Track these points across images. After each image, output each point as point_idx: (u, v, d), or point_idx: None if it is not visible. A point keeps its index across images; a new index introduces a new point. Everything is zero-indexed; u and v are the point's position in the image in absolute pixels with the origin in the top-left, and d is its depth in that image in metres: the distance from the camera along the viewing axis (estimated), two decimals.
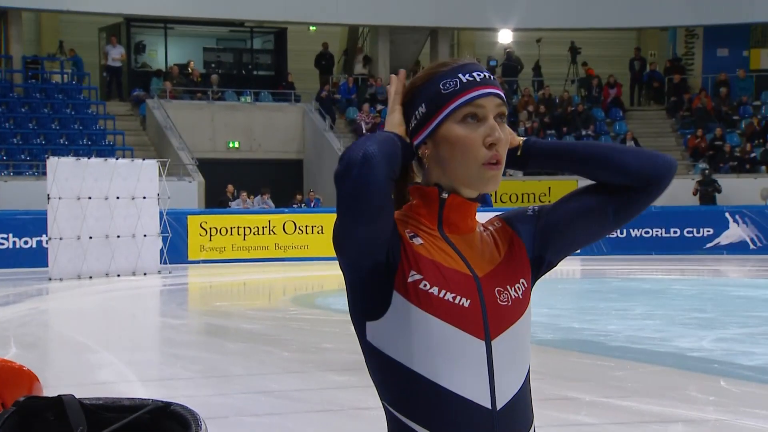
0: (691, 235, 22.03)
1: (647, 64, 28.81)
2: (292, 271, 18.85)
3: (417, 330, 1.71)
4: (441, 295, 1.73)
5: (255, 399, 7.24)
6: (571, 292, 15.75)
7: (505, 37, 29.53)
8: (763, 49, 29.55)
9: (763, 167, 24.85)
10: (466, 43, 30.97)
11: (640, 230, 22.01)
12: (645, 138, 26.69)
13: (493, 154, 1.76)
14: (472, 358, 1.74)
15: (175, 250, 19.01)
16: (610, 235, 22.22)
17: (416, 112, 1.81)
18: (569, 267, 20.32)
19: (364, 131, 25.67)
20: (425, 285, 1.74)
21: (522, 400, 1.78)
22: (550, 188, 24.67)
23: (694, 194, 23.44)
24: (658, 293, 14.50)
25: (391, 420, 1.79)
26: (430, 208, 1.82)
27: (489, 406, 1.73)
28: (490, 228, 1.91)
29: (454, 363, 1.72)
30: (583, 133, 26.72)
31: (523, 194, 24.59)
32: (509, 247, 1.87)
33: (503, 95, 1.81)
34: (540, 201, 24.34)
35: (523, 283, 1.85)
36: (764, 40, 30.37)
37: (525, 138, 1.89)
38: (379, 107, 26.27)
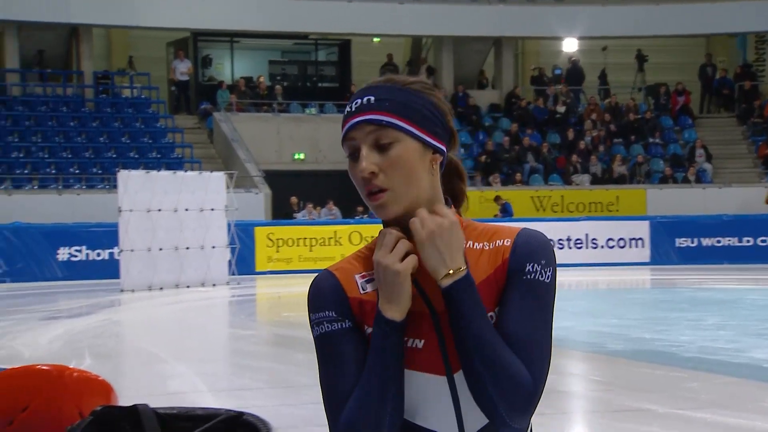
0: (765, 244, 21.58)
1: (717, 70, 28.36)
2: None
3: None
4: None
5: (323, 409, 7.26)
6: (641, 302, 15.53)
7: (570, 45, 29.31)
8: None
9: None
10: (531, 52, 30.81)
11: (712, 239, 21.62)
12: (715, 146, 26.25)
13: (368, 187, 1.74)
14: (435, 393, 1.75)
15: (243, 261, 19.19)
16: (681, 245, 21.91)
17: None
18: (639, 277, 20.04)
19: None
20: None
21: (493, 429, 1.75)
22: (618, 197, 24.39)
23: (766, 203, 22.97)
24: (731, 303, 14.22)
25: None
26: None
27: None
28: (484, 245, 1.79)
29: (420, 400, 1.74)
30: (650, 140, 26.37)
31: (590, 203, 24.35)
32: (494, 272, 1.77)
33: (379, 118, 1.72)
34: (608, 211, 24.07)
35: (491, 317, 1.75)
36: None
37: (449, 286, 1.70)
38: None
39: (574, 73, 28.31)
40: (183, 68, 26.16)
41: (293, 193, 23.30)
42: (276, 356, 10.37)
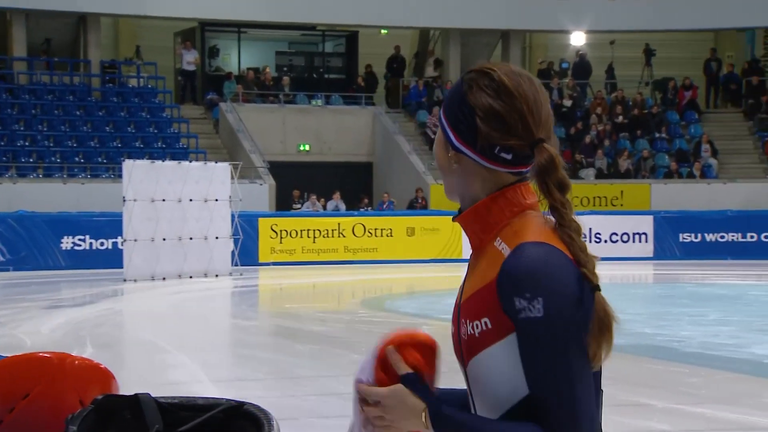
0: None
1: (723, 65, 28.28)
2: (361, 273, 18.91)
3: None
4: None
5: (324, 401, 7.28)
6: (643, 297, 15.53)
7: (577, 39, 29.24)
8: None
9: None
10: (538, 45, 30.75)
11: (716, 235, 21.59)
12: (722, 141, 26.19)
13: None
14: (463, 379, 1.81)
15: (246, 252, 19.22)
16: (685, 239, 21.88)
17: None
18: (641, 272, 20.03)
19: (433, 135, 25.66)
20: None
21: None
22: (622, 192, 24.36)
23: None
24: (733, 299, 14.21)
25: None
26: None
27: None
28: (501, 246, 1.72)
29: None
30: (656, 135, 26.33)
31: (595, 197, 24.32)
32: (487, 285, 1.72)
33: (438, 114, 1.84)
34: (612, 205, 24.04)
35: (485, 323, 1.70)
36: None
37: (429, 405, 1.71)
38: None
39: (581, 67, 28.25)
40: (190, 58, 26.15)
41: (298, 184, 23.31)
42: (277, 347, 10.39)
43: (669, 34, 28.55)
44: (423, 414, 1.69)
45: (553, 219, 1.75)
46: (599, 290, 1.69)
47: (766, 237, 21.60)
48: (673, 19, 27.01)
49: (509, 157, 1.73)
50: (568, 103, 27.08)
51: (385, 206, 23.11)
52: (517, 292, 1.63)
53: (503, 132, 1.72)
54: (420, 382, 1.72)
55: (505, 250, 1.69)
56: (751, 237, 21.63)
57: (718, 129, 26.86)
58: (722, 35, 29.80)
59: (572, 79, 27.78)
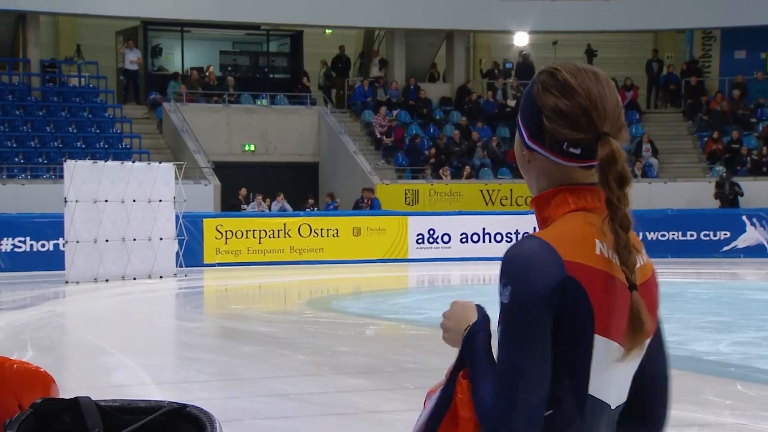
0: (708, 238, 21.93)
1: (664, 66, 28.71)
2: (307, 274, 18.87)
3: None
4: None
5: (269, 402, 7.26)
6: None
7: (521, 39, 29.49)
8: None
9: None
10: (482, 45, 30.94)
11: (656, 233, 21.92)
12: (662, 140, 26.59)
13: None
14: None
15: (190, 254, 19.06)
16: None
17: None
18: None
19: (378, 135, 25.69)
20: None
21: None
22: None
23: (715, 198, 23.34)
24: (673, 296, 14.43)
25: None
26: None
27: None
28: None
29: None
30: None
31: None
32: None
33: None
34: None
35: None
36: None
37: (474, 325, 1.81)
38: (395, 110, 26.28)
39: (524, 67, 28.49)
40: (132, 57, 25.86)
41: (243, 184, 23.18)
42: (222, 349, 10.33)
43: (610, 35, 28.91)
44: (465, 329, 1.79)
45: (603, 220, 1.79)
46: (635, 289, 1.77)
47: (705, 235, 21.97)
48: (613, 20, 27.36)
49: (578, 151, 1.80)
50: (512, 102, 27.30)
51: (331, 206, 23.10)
52: (500, 277, 1.75)
53: (569, 128, 1.80)
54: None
55: None
56: (691, 235, 22.00)
57: (658, 129, 27.26)
58: (662, 36, 30.25)
59: (516, 80, 28.01)
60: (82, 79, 25.74)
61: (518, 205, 24.12)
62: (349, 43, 28.83)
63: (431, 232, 21.60)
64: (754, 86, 27.38)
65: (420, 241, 21.55)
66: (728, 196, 23.32)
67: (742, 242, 21.70)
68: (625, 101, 27.80)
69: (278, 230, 20.74)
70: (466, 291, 16.39)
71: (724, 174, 23.93)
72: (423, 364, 8.80)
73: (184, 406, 1.96)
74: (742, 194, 23.40)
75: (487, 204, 24.11)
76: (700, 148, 26.43)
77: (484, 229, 21.88)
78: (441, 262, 20.84)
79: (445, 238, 21.67)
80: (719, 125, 26.26)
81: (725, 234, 21.81)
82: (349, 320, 12.10)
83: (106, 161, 18.52)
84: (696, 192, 23.94)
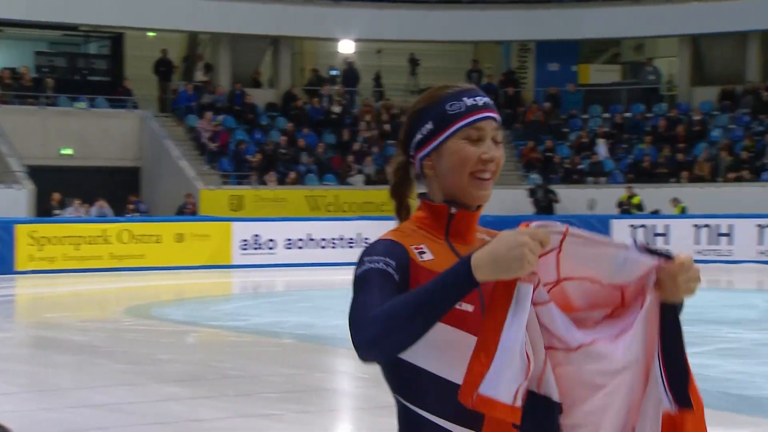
0: None
1: (483, 76, 29.59)
2: (127, 281, 18.37)
3: (427, 335, 1.86)
4: None
5: (83, 413, 7.01)
6: None
7: (346, 47, 29.74)
8: (591, 64, 30.84)
9: (591, 178, 25.91)
10: (308, 52, 31.01)
11: None
12: None
13: (483, 168, 1.99)
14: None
15: (1, 260, 18.21)
16: None
17: (422, 129, 2.02)
18: None
19: (204, 139, 25.32)
20: None
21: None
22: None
23: (533, 204, 24.22)
24: None
25: (400, 409, 2.00)
26: (439, 222, 2.04)
27: None
28: (486, 237, 2.07)
29: (461, 359, 1.86)
30: None
31: (364, 203, 24.77)
32: None
33: (499, 119, 2.04)
34: (381, 211, 24.58)
35: None
36: (592, 56, 31.70)
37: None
38: (220, 116, 25.97)
39: (349, 75, 28.74)
40: None
41: (60, 189, 22.35)
42: (35, 359, 9.91)
43: (433, 45, 29.57)
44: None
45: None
46: None
47: None
48: (436, 30, 28.00)
49: None
50: (337, 109, 27.48)
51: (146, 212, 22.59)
52: None
53: None
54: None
55: (487, 237, 2.07)
56: None
57: None
58: (481, 47, 31.17)
59: (341, 86, 28.21)
60: None
61: (344, 211, 24.29)
62: (173, 46, 28.29)
63: (256, 238, 21.46)
64: (566, 97, 28.59)
65: (245, 247, 21.36)
66: (542, 202, 24.24)
67: None
68: None
69: (97, 236, 20.09)
70: (290, 297, 16.35)
71: (539, 182, 24.86)
72: (245, 371, 8.72)
73: None
74: (557, 200, 24.37)
75: (312, 210, 24.16)
76: (516, 156, 27.36)
77: (309, 235, 21.91)
78: (266, 268, 20.72)
79: (270, 244, 21.57)
80: (535, 134, 27.28)
81: None
82: (169, 328, 11.85)
83: None
84: (513, 199, 24.76)
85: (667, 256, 1.88)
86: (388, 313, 1.80)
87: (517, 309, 1.81)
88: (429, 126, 2.01)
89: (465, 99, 2.02)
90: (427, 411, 1.95)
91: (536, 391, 1.85)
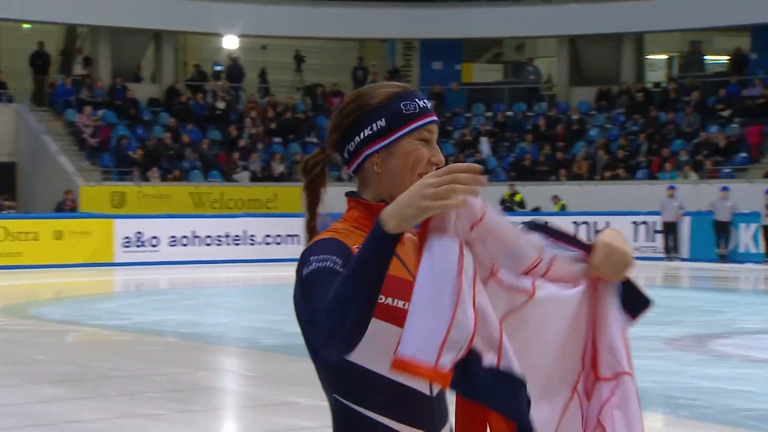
0: None
1: (369, 74, 29.74)
2: (3, 279, 17.80)
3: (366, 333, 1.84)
4: (380, 300, 1.87)
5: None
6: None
7: (230, 42, 29.46)
8: (475, 63, 31.34)
9: None
10: (192, 47, 30.62)
11: None
12: None
13: (429, 171, 1.97)
14: None
15: None
16: None
17: (374, 125, 2.01)
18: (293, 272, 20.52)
19: (84, 135, 24.71)
20: None
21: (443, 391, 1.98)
22: (276, 194, 24.85)
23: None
24: None
25: (340, 410, 1.97)
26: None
27: (428, 392, 1.95)
28: (413, 237, 2.00)
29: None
30: (307, 139, 27.14)
31: (249, 200, 24.62)
32: None
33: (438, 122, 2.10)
34: (267, 208, 24.46)
35: None
36: (475, 55, 32.21)
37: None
38: (101, 110, 25.39)
39: (234, 71, 28.49)
40: None
41: None
42: None
43: (318, 42, 29.56)
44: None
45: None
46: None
47: None
48: (321, 26, 27.99)
49: None
50: (221, 105, 27.21)
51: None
52: None
53: None
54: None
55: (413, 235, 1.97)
56: None
57: None
58: (366, 45, 31.31)
59: (226, 82, 27.95)
60: None
61: (229, 208, 24.07)
62: (50, 39, 27.53)
63: (139, 235, 21.09)
64: (450, 96, 28.96)
65: (127, 244, 20.96)
66: None
67: None
68: (333, 107, 28.53)
69: None
70: (174, 295, 16.13)
71: None
72: (126, 371, 8.57)
73: None
74: None
75: (197, 207, 23.86)
76: None
77: (194, 232, 21.65)
78: (149, 265, 20.38)
79: (154, 242, 21.22)
80: None
81: None
82: (47, 327, 11.55)
83: None
84: None
85: (585, 250, 1.92)
86: (335, 299, 1.78)
87: (431, 256, 1.72)
88: (382, 123, 2.01)
89: (417, 100, 2.04)
90: (372, 410, 1.93)
91: (496, 366, 1.75)
